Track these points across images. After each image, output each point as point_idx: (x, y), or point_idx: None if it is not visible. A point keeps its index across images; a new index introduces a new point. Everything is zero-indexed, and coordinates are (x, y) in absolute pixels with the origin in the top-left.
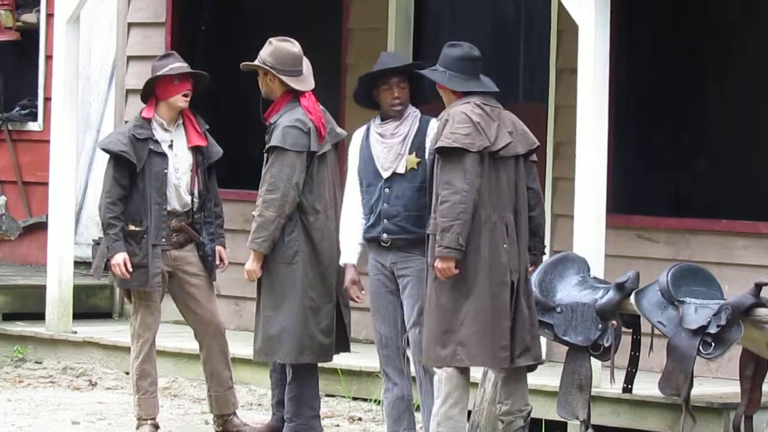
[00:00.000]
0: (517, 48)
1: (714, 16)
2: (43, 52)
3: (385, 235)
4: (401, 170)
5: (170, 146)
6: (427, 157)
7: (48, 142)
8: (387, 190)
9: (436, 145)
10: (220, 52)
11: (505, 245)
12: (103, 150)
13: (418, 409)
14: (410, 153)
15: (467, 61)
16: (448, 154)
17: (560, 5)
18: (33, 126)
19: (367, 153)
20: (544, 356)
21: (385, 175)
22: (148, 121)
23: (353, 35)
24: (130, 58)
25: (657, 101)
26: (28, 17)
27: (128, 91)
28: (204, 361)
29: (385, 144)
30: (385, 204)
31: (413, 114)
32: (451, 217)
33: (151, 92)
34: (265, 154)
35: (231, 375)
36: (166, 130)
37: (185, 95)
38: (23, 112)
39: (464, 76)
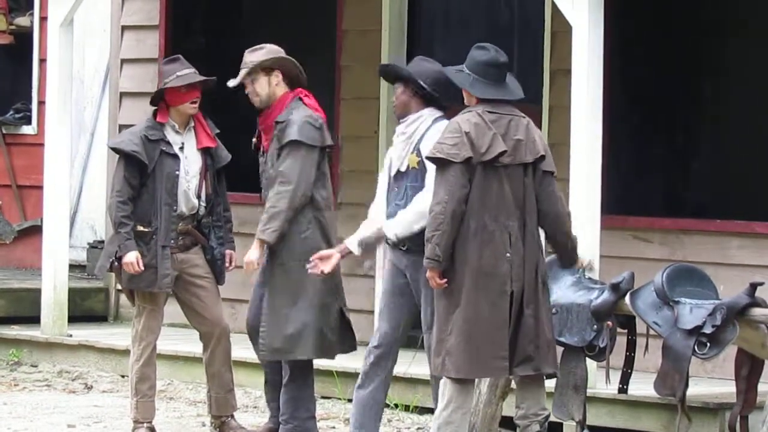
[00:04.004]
0: (511, 49)
1: (708, 16)
2: (37, 56)
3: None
4: (403, 168)
5: (181, 148)
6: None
7: (42, 145)
8: (396, 189)
9: (426, 155)
10: (213, 54)
11: (507, 254)
12: (114, 150)
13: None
14: (412, 152)
15: (492, 66)
16: (436, 164)
17: (554, 6)
18: (27, 129)
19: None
20: None
21: (392, 173)
22: (161, 123)
23: (347, 37)
24: (123, 61)
25: (651, 102)
26: (22, 21)
27: (122, 94)
28: (207, 362)
29: (396, 142)
30: (393, 203)
31: (429, 115)
32: (432, 228)
33: (161, 98)
34: (277, 151)
35: (232, 377)
36: (177, 132)
37: (193, 102)
38: (17, 115)
39: (487, 81)
